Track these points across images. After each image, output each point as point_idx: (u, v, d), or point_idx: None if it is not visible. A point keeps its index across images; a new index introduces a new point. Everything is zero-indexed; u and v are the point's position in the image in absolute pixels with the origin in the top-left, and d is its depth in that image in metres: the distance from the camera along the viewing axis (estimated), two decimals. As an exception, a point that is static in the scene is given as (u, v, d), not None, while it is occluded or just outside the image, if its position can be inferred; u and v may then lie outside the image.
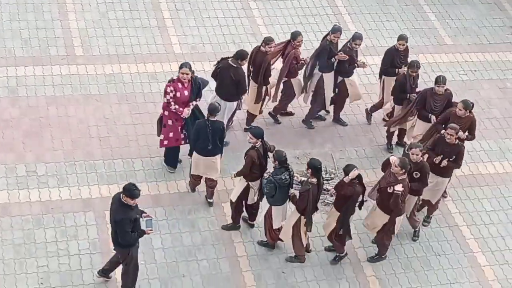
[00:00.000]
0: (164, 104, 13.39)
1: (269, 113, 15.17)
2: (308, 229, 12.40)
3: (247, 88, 14.26)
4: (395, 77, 14.42)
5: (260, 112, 14.71)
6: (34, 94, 15.10)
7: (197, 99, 13.52)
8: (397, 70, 14.47)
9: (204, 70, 15.97)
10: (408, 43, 14.64)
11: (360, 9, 18.01)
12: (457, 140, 12.85)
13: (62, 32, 16.44)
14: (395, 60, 14.54)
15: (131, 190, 11.11)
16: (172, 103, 13.25)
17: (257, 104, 14.47)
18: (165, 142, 13.69)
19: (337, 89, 14.92)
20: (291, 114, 15.40)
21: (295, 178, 12.38)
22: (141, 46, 16.40)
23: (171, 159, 13.99)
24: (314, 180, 12.09)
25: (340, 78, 14.79)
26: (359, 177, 12.16)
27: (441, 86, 13.61)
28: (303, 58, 14.50)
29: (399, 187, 11.98)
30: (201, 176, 13.37)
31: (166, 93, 13.27)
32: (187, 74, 13.22)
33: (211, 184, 13.39)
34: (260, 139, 12.44)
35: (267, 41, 14.06)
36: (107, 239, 12.81)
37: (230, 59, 13.83)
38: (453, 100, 13.84)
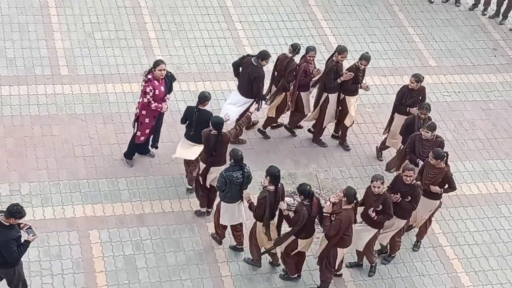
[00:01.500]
0: (143, 104, 13.64)
1: (285, 126, 15.45)
2: (267, 236, 12.40)
3: (262, 90, 14.50)
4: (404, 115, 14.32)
5: (275, 118, 15.09)
6: (19, 114, 15.08)
7: (169, 94, 13.98)
8: (408, 108, 14.28)
9: (189, 90, 16.04)
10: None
11: (345, 30, 18.13)
12: (413, 181, 12.48)
13: (48, 52, 16.46)
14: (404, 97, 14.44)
15: (11, 211, 10.90)
16: (152, 102, 13.57)
17: (272, 106, 14.85)
18: (142, 138, 14.09)
19: (339, 107, 14.98)
20: (280, 125, 15.52)
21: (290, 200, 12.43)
22: (126, 66, 16.43)
23: (132, 153, 14.36)
24: (272, 187, 12.13)
25: (341, 96, 14.84)
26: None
27: (425, 131, 13.36)
28: (316, 69, 14.72)
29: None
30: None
31: (145, 93, 13.55)
32: (164, 70, 13.58)
33: (192, 168, 13.55)
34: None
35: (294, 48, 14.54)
36: (91, 259, 12.79)
37: (253, 58, 14.27)
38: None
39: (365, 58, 14.56)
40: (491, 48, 18.31)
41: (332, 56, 14.66)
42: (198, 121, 13.29)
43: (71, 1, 17.75)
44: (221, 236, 13.19)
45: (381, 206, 12.35)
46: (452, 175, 12.94)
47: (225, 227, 12.96)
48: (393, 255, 13.40)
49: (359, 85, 14.70)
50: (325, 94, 14.77)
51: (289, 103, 14.90)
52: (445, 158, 12.81)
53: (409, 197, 12.47)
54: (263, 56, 14.27)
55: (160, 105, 13.71)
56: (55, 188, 13.85)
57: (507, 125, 16.39)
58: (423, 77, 14.25)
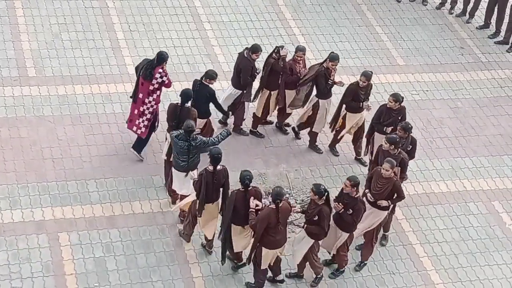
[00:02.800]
0: (158, 98, 14.05)
1: (275, 125, 15.61)
2: (199, 214, 12.52)
3: (247, 82, 14.63)
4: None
5: (262, 117, 15.28)
6: (-14, 116, 14.96)
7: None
8: (384, 128, 14.11)
9: (158, 90, 15.97)
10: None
11: (313, 30, 18.18)
12: (355, 193, 12.29)
13: (15, 53, 16.31)
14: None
15: None
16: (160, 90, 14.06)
17: (258, 105, 15.08)
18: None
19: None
20: (270, 123, 15.62)
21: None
22: (94, 67, 16.33)
23: (144, 146, 14.48)
24: (211, 167, 12.27)
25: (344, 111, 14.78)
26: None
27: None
28: (299, 71, 14.80)
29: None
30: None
31: (162, 85, 14.03)
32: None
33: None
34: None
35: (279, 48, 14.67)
36: (61, 262, 12.71)
37: (245, 50, 14.58)
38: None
39: (365, 75, 14.31)
40: (458, 46, 18.46)
41: (323, 62, 14.65)
42: (197, 95, 13.56)
43: (38, 2, 17.61)
44: (173, 196, 13.23)
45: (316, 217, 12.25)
46: (400, 184, 12.77)
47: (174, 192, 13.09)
48: (342, 269, 13.12)
49: (361, 103, 14.48)
50: (315, 99, 14.83)
51: (275, 101, 15.01)
52: (397, 168, 12.75)
53: (351, 210, 12.28)
54: (254, 49, 14.46)
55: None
56: (24, 191, 13.73)
57: (475, 123, 16.53)
58: (403, 97, 13.95)
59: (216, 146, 12.58)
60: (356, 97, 14.36)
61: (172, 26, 17.65)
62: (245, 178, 11.99)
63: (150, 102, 14.03)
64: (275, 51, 14.66)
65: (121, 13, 17.74)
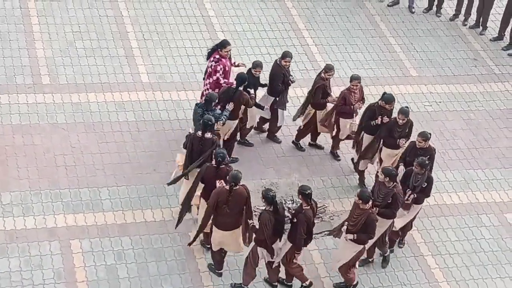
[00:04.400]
0: (213, 83, 14.39)
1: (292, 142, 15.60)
2: (186, 177, 13.01)
3: (279, 89, 14.75)
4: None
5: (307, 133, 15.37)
6: (0, 123, 15.01)
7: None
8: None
9: (171, 99, 16.03)
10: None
11: (326, 40, 18.20)
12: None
13: (29, 61, 16.40)
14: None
15: None
16: (221, 78, 14.35)
17: (304, 121, 15.22)
18: None
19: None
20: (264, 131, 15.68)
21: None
22: (108, 75, 16.40)
23: None
24: (199, 133, 12.87)
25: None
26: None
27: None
28: (353, 103, 14.61)
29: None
30: None
31: (216, 71, 14.37)
32: (230, 50, 14.57)
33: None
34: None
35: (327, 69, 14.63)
36: (72, 269, 12.74)
37: (278, 59, 14.76)
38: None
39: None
40: (472, 58, 18.44)
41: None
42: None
43: (53, 10, 17.72)
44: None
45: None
46: (375, 220, 12.19)
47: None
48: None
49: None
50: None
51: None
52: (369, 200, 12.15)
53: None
54: (283, 55, 14.65)
55: (229, 81, 14.41)
56: (36, 198, 13.79)
57: (488, 135, 16.49)
58: (430, 135, 13.49)
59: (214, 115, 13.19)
60: (391, 133, 13.95)
61: (186, 35, 17.72)
62: (218, 156, 12.32)
63: (206, 84, 14.54)
64: (324, 70, 14.58)
65: (135, 22, 17.82)
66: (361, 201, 12.08)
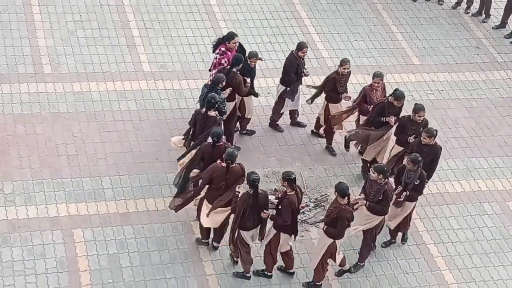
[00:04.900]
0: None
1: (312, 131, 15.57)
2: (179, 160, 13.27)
3: (292, 79, 14.73)
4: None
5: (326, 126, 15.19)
6: (2, 112, 15.00)
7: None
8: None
9: (173, 88, 16.01)
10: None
11: (328, 29, 18.15)
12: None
13: (31, 50, 16.38)
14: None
15: None
16: None
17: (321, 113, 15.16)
18: None
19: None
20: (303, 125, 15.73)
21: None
22: (110, 64, 16.37)
23: None
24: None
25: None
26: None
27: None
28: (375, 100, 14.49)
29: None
30: None
31: (220, 64, 14.42)
32: (237, 42, 14.59)
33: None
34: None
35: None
36: (75, 258, 12.76)
37: (295, 50, 14.71)
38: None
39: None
40: (474, 46, 18.39)
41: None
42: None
43: (54, 0, 17.67)
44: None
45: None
46: (345, 218, 12.03)
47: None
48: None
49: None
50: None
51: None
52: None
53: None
54: (299, 46, 14.63)
55: None
56: (39, 187, 13.78)
57: (490, 123, 16.46)
58: (437, 131, 13.36)
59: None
60: (405, 130, 13.77)
61: (188, 24, 17.68)
62: (214, 135, 12.58)
63: (211, 75, 14.45)
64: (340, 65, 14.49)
65: (137, 11, 17.78)
66: (337, 194, 12.05)
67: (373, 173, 12.44)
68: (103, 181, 14.06)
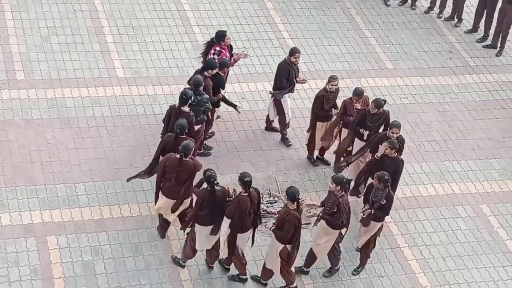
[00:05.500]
0: None
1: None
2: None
3: (283, 84, 14.72)
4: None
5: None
6: (-26, 119, 14.94)
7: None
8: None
9: (147, 94, 15.99)
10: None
11: (302, 34, 18.21)
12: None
13: (3, 57, 16.29)
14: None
15: None
16: None
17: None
18: None
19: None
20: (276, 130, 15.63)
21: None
22: (83, 70, 16.32)
23: None
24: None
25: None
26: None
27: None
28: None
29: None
30: None
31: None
32: (229, 39, 14.95)
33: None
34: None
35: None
36: (49, 265, 12.70)
37: (287, 56, 14.79)
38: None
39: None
40: (447, 50, 18.53)
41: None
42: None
43: (27, 5, 17.60)
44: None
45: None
46: (291, 223, 12.01)
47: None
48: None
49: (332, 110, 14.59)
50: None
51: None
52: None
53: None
54: (291, 52, 14.62)
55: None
56: (12, 194, 13.70)
57: (463, 126, 16.59)
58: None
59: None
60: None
61: (161, 30, 17.67)
62: (177, 127, 12.79)
63: None
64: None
65: (110, 17, 17.75)
66: (287, 198, 12.12)
67: (331, 183, 12.39)
68: (77, 188, 14.01)
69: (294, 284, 12.74)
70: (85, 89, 15.91)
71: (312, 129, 14.75)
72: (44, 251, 12.91)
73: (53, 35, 17.03)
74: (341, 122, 14.39)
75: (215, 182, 12.11)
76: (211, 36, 17.12)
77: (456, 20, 19.30)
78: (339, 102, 14.67)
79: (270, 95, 15.00)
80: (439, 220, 14.55)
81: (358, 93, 14.18)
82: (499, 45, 18.61)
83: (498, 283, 13.62)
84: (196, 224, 12.42)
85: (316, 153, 15.15)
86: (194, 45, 17.36)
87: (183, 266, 12.95)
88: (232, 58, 15.01)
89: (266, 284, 12.88)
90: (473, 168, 15.68)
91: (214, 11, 18.40)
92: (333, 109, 14.56)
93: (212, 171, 12.19)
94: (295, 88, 15.20)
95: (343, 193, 12.37)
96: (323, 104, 14.42)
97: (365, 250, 13.21)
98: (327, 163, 15.15)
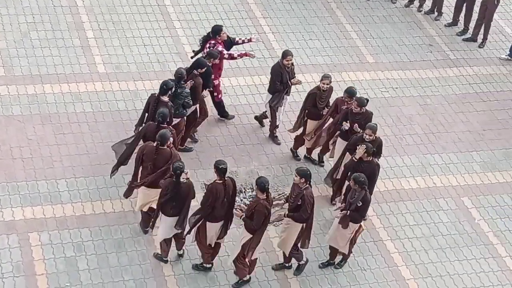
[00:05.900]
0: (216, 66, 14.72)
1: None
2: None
3: (277, 87, 14.70)
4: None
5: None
6: (-46, 116, 14.83)
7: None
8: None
9: (129, 89, 15.94)
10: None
11: (283, 28, 18.22)
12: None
13: (-17, 53, 16.21)
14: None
15: None
16: (225, 52, 14.82)
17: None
18: (220, 96, 15.39)
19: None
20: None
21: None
22: (64, 66, 16.24)
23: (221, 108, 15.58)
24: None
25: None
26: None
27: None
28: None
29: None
30: None
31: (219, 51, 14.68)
32: (225, 33, 15.04)
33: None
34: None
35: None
36: (31, 262, 12.64)
37: (280, 59, 14.71)
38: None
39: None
40: (427, 44, 18.60)
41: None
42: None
43: (6, 1, 17.49)
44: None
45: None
46: (259, 216, 12.08)
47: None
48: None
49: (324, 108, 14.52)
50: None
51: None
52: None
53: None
54: (283, 54, 14.59)
55: (231, 53, 14.90)
56: (-7, 191, 13.65)
57: (444, 119, 16.67)
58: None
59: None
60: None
61: (142, 25, 17.61)
62: (159, 115, 12.85)
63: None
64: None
65: (91, 12, 17.67)
66: (256, 188, 12.15)
67: (296, 176, 12.34)
68: (59, 184, 13.96)
69: (247, 277, 12.79)
70: (66, 85, 15.84)
71: (303, 126, 14.73)
72: (26, 247, 12.85)
73: (33, 30, 16.93)
74: (330, 118, 14.32)
75: (182, 173, 12.04)
76: (192, 31, 17.18)
77: (436, 13, 19.38)
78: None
79: (267, 100, 14.93)
80: (421, 213, 14.63)
81: (349, 92, 14.05)
82: (481, 36, 18.69)
83: (480, 275, 13.70)
84: (161, 213, 12.46)
85: (312, 152, 15.17)
86: (175, 40, 17.32)
87: (166, 261, 12.94)
88: (238, 54, 15.02)
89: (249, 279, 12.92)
90: (454, 161, 15.76)
91: (194, 6, 18.36)
92: (325, 108, 14.51)
93: (181, 163, 12.15)
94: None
95: (307, 185, 12.35)
96: (315, 102, 14.42)
97: (333, 249, 13.19)
98: (313, 162, 15.14)
